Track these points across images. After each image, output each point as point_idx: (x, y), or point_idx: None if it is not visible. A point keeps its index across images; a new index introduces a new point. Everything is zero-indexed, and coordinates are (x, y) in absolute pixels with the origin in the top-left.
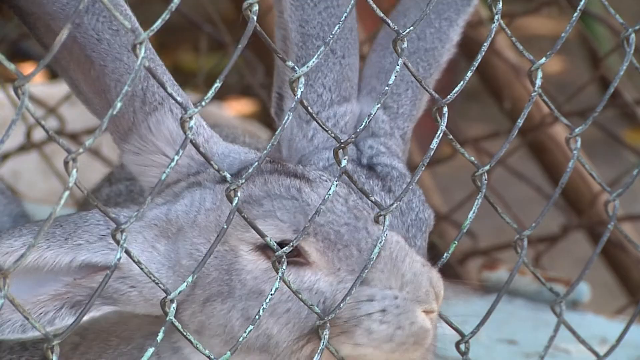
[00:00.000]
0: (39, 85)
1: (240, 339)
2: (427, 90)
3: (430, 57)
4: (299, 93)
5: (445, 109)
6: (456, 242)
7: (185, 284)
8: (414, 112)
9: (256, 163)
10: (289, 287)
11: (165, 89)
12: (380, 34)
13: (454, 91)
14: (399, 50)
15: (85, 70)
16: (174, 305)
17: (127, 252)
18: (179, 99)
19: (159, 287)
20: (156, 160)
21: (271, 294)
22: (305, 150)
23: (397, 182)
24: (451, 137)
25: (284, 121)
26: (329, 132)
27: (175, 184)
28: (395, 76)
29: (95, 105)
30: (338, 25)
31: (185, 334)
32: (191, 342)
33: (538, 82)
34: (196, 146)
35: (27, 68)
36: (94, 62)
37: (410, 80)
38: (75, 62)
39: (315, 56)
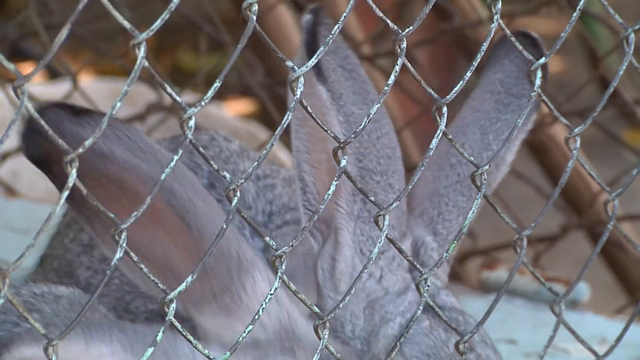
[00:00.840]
0: (38, 85)
1: (240, 339)
2: (426, 89)
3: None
4: (298, 93)
5: (445, 109)
6: (456, 242)
7: (184, 283)
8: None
9: (255, 164)
10: (287, 286)
11: (164, 90)
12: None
13: (453, 91)
14: (398, 50)
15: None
16: (174, 305)
17: (127, 253)
18: (178, 99)
19: (159, 287)
20: (245, 319)
21: (270, 294)
22: (374, 295)
23: (465, 325)
24: (450, 137)
25: (284, 120)
26: (328, 131)
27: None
28: (445, 200)
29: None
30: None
31: (184, 334)
32: (190, 342)
33: (537, 82)
34: (196, 147)
35: (27, 68)
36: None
37: (462, 206)
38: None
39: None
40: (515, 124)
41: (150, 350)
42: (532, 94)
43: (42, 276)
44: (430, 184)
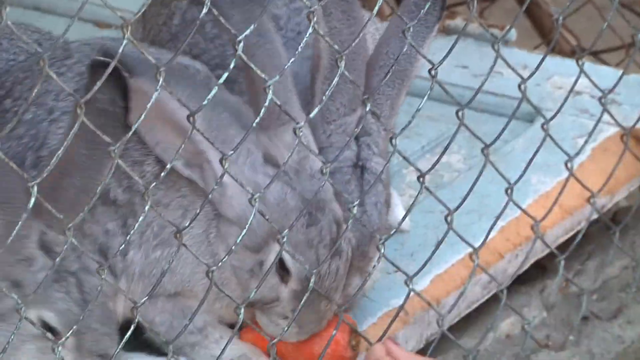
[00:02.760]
0: None
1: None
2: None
3: (403, 76)
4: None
5: None
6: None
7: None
8: (392, 114)
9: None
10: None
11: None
12: (372, 57)
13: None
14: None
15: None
16: None
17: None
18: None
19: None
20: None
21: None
22: (324, 144)
23: (372, 189)
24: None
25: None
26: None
27: None
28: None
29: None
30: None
31: None
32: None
33: None
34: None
35: None
36: None
37: (389, 94)
38: None
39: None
40: None
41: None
42: None
43: None
44: (367, 80)
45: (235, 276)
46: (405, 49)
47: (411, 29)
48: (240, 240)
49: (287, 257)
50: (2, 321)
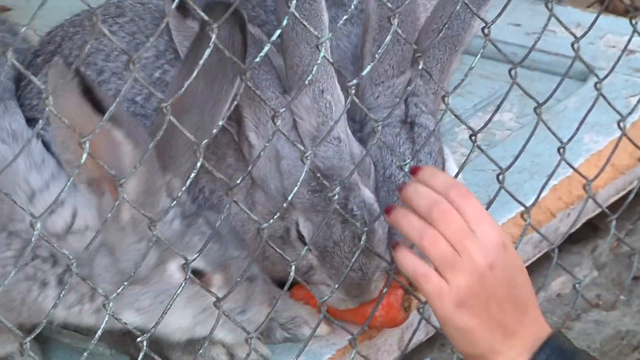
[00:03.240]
0: None
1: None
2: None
3: (456, 41)
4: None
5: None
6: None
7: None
8: (442, 78)
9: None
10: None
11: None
12: (426, 20)
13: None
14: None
15: None
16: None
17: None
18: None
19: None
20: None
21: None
22: (371, 105)
23: (425, 143)
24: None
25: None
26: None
27: None
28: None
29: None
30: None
31: None
32: None
33: None
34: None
35: None
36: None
37: (440, 58)
38: None
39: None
40: None
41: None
42: None
43: None
44: (423, 43)
45: (273, 243)
46: (457, 13)
47: None
48: (265, 205)
49: (301, 223)
50: (144, 284)
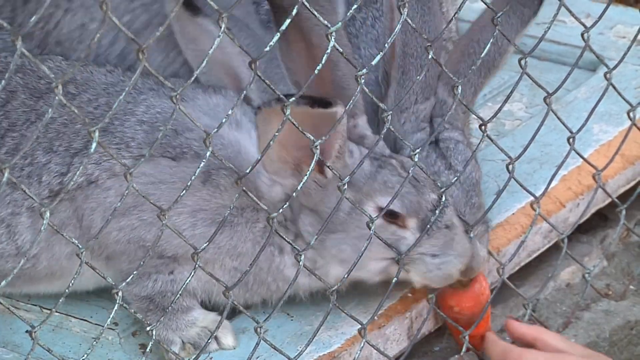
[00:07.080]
0: None
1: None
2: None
3: (491, 66)
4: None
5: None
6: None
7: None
8: (473, 101)
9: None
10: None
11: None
12: (462, 41)
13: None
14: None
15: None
16: None
17: None
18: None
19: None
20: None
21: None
22: (398, 131)
23: (454, 152)
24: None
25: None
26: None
27: None
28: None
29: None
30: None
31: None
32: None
33: None
34: None
35: None
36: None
37: (474, 82)
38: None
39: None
40: None
41: None
42: None
43: None
44: (455, 65)
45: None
46: (495, 39)
47: (503, 20)
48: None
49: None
50: (343, 231)
